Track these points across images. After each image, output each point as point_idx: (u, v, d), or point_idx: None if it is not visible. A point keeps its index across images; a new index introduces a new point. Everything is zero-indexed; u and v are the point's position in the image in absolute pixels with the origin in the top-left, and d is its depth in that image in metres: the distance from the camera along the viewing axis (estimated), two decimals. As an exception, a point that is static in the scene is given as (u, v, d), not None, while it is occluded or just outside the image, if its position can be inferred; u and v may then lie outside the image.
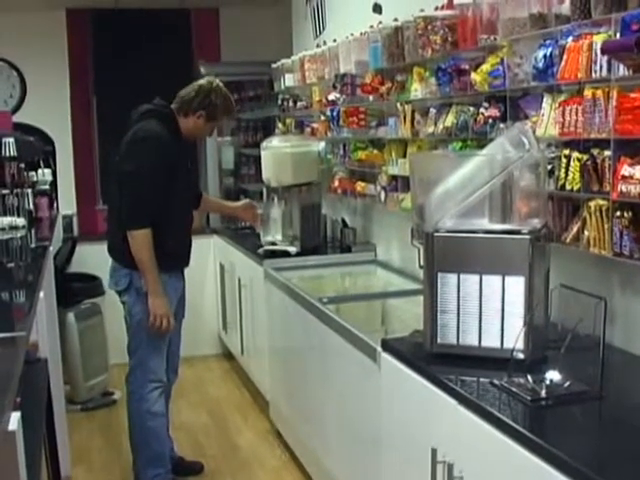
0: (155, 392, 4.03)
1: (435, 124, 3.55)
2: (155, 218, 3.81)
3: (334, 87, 4.62)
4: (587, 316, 2.39)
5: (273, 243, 4.89)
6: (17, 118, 6.60)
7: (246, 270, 5.19)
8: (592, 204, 2.54)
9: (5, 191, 5.03)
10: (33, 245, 4.67)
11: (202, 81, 4.08)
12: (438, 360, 2.61)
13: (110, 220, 4.08)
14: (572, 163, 2.61)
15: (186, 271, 4.20)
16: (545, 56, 2.70)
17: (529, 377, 2.33)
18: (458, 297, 2.59)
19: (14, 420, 1.80)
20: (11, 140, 5.12)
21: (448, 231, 2.62)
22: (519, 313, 2.51)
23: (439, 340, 2.64)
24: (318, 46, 5.32)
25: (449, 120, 3.43)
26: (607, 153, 2.46)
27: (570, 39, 2.58)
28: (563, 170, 2.66)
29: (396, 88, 3.92)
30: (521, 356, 2.47)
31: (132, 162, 3.82)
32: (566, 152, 2.65)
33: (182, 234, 4.06)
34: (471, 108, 3.25)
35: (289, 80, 5.68)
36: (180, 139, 3.97)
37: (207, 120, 3.99)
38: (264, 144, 5.13)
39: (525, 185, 2.64)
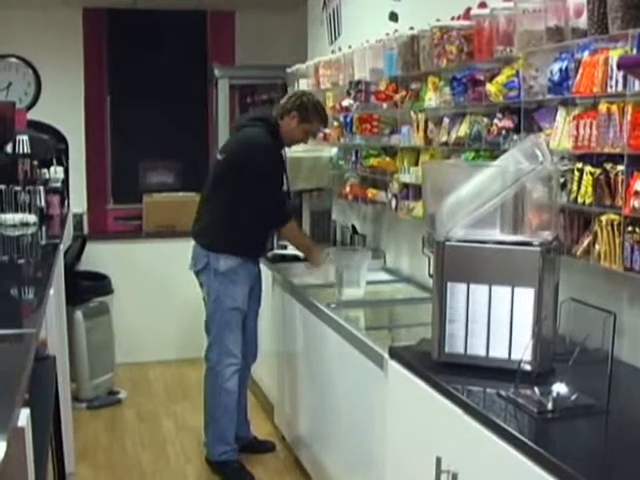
0: (229, 369, 4.29)
1: (448, 133, 3.56)
2: (250, 210, 4.18)
3: (348, 93, 4.63)
4: (596, 330, 2.40)
5: (283, 247, 4.90)
6: (31, 115, 6.64)
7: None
8: (604, 218, 2.54)
9: (17, 188, 5.06)
10: (44, 242, 4.69)
11: (297, 89, 4.59)
12: (445, 369, 2.62)
13: (201, 209, 4.44)
14: (585, 177, 2.62)
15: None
16: (561, 69, 2.70)
17: (536, 389, 2.33)
18: (467, 307, 2.60)
19: (24, 416, 1.81)
20: (25, 137, 5.15)
21: (459, 240, 2.62)
22: (527, 325, 2.51)
23: (447, 349, 2.64)
24: (333, 52, 5.34)
25: (462, 130, 3.43)
26: (620, 168, 2.46)
27: (586, 53, 2.59)
28: (576, 183, 2.67)
29: (410, 96, 3.93)
30: (528, 368, 2.47)
31: (260, 170, 4.15)
32: (579, 165, 2.66)
33: (267, 230, 4.46)
34: (485, 119, 3.26)
35: (303, 85, 5.69)
36: (280, 145, 4.31)
37: (300, 121, 4.25)
38: (277, 148, 5.15)
39: (537, 197, 2.64)
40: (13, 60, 7.22)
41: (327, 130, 4.71)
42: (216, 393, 4.32)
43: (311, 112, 4.25)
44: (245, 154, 4.22)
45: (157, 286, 6.27)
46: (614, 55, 2.46)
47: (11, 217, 4.86)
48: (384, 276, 4.63)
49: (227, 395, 4.32)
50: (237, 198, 4.19)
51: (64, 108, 7.18)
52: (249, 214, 4.19)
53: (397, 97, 4.05)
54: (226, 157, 4.32)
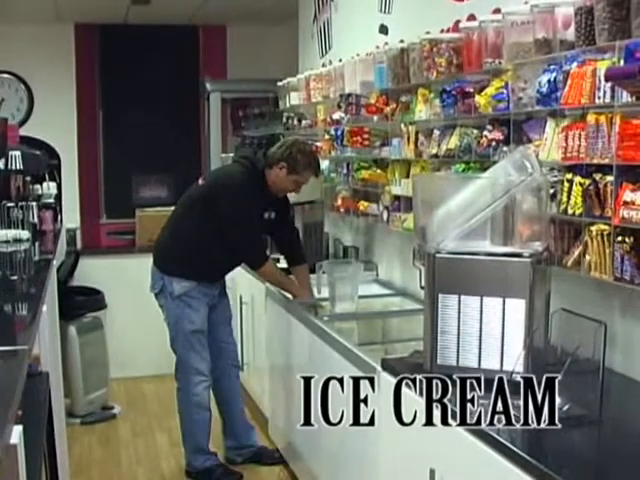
0: (199, 387, 4.37)
1: (439, 145, 3.57)
2: (219, 241, 4.19)
3: (339, 106, 4.64)
4: (587, 340, 2.40)
5: (276, 260, 4.90)
6: (24, 131, 6.65)
7: (247, 287, 5.20)
8: (594, 229, 2.55)
9: (10, 204, 5.05)
10: (37, 258, 4.68)
11: (288, 137, 4.49)
12: (438, 381, 2.62)
13: (165, 227, 4.48)
14: (574, 187, 2.63)
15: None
16: (549, 81, 2.72)
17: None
18: (458, 318, 2.60)
19: (16, 433, 1.81)
20: (18, 153, 5.15)
21: (450, 252, 2.62)
22: (519, 335, 2.52)
23: (439, 361, 2.65)
24: (324, 65, 5.36)
25: (453, 142, 3.44)
26: (609, 178, 2.47)
27: (574, 65, 2.60)
28: (565, 194, 2.68)
29: (400, 109, 3.95)
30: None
31: (234, 208, 4.15)
32: (568, 176, 2.67)
33: (231, 264, 4.47)
34: (475, 130, 3.27)
35: (294, 98, 5.71)
36: (264, 192, 4.24)
37: (288, 172, 4.19)
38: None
39: (527, 208, 2.65)
40: (5, 76, 7.23)
41: (317, 175, 4.46)
42: (191, 411, 4.41)
43: (300, 163, 4.19)
44: (219, 192, 4.22)
45: (150, 300, 6.23)
46: (602, 66, 2.47)
47: (4, 233, 4.85)
48: (376, 288, 4.63)
49: (200, 410, 4.40)
50: (205, 228, 4.21)
51: (56, 124, 7.18)
52: (215, 246, 4.21)
53: (387, 110, 4.07)
54: (204, 186, 4.35)
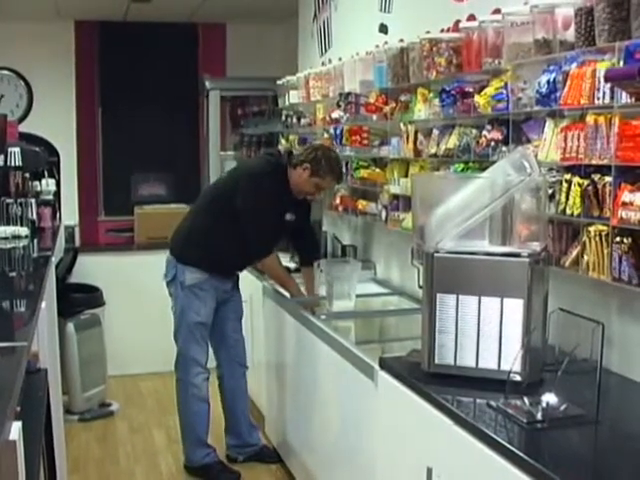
0: (197, 378, 4.40)
1: (438, 145, 3.57)
2: (234, 234, 4.22)
3: (338, 105, 4.64)
4: (585, 340, 2.41)
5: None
6: (23, 128, 6.63)
7: (245, 285, 5.20)
8: (592, 229, 2.55)
9: (9, 200, 5.05)
10: (35, 255, 4.68)
11: (316, 142, 4.55)
12: (435, 380, 2.63)
13: (186, 217, 4.53)
14: (573, 188, 2.63)
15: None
16: (549, 81, 2.72)
17: (525, 399, 2.34)
18: (456, 318, 2.60)
19: (15, 430, 1.81)
20: (17, 150, 5.15)
21: (448, 252, 2.63)
22: (517, 335, 2.52)
23: (437, 360, 2.65)
24: (323, 64, 5.36)
25: (452, 141, 3.44)
26: (608, 179, 2.47)
27: (574, 65, 2.61)
28: (564, 194, 2.68)
29: (400, 108, 3.95)
30: (518, 378, 2.48)
31: (250, 194, 4.20)
32: (567, 177, 2.67)
33: (245, 257, 4.44)
34: (474, 130, 3.27)
35: (293, 97, 5.71)
36: (286, 190, 4.26)
37: (311, 174, 4.20)
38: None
39: (526, 208, 2.66)
40: (5, 72, 7.22)
41: (339, 182, 4.52)
42: (190, 402, 4.43)
43: (324, 167, 4.19)
44: (239, 181, 4.29)
45: (148, 298, 6.25)
46: (601, 67, 2.47)
47: (3, 230, 4.85)
48: (374, 287, 4.63)
49: (198, 402, 4.43)
50: (223, 220, 4.26)
51: (56, 120, 7.18)
52: (230, 239, 4.25)
53: (387, 109, 4.07)
54: (226, 178, 4.48)
